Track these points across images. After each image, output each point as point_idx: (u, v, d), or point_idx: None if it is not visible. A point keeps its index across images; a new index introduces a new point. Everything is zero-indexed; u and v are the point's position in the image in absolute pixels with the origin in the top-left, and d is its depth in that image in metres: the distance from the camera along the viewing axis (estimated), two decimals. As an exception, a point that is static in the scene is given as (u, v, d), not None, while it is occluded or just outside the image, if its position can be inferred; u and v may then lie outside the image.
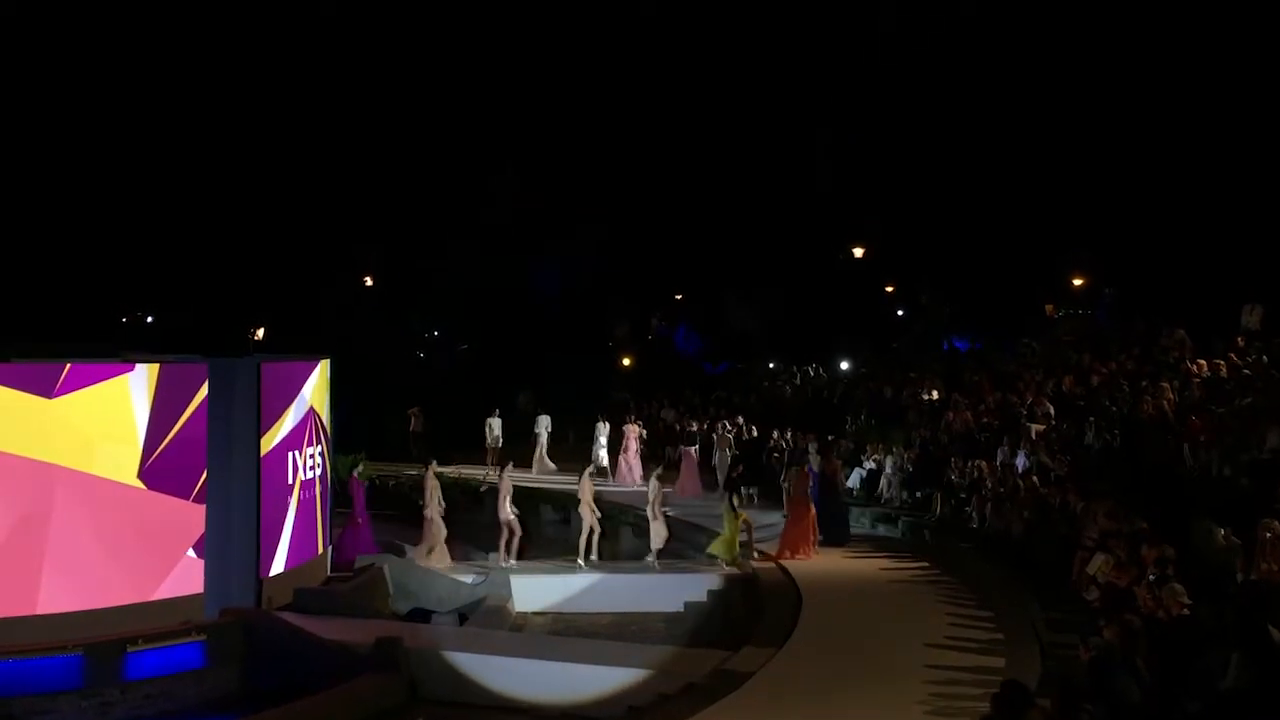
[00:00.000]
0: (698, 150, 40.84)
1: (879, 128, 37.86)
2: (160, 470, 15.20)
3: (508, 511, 18.90)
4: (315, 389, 18.18)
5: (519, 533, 19.13)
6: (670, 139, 41.18)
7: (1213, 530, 12.08)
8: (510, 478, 19.61)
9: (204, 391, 15.69)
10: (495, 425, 28.10)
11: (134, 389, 15.13)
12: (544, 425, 28.05)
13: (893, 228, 37.24)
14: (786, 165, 39.47)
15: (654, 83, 40.74)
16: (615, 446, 26.83)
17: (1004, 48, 33.88)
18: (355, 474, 20.34)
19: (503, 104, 43.08)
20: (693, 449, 25.09)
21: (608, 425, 27.17)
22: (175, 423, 15.36)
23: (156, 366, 15.46)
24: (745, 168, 40.26)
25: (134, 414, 15.07)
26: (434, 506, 19.02)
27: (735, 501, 18.54)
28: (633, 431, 26.41)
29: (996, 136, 34.17)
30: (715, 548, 17.96)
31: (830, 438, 21.93)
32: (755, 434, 25.45)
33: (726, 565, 17.65)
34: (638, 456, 26.05)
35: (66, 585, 14.45)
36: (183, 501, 15.52)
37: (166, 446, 15.26)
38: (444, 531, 19.06)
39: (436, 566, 18.69)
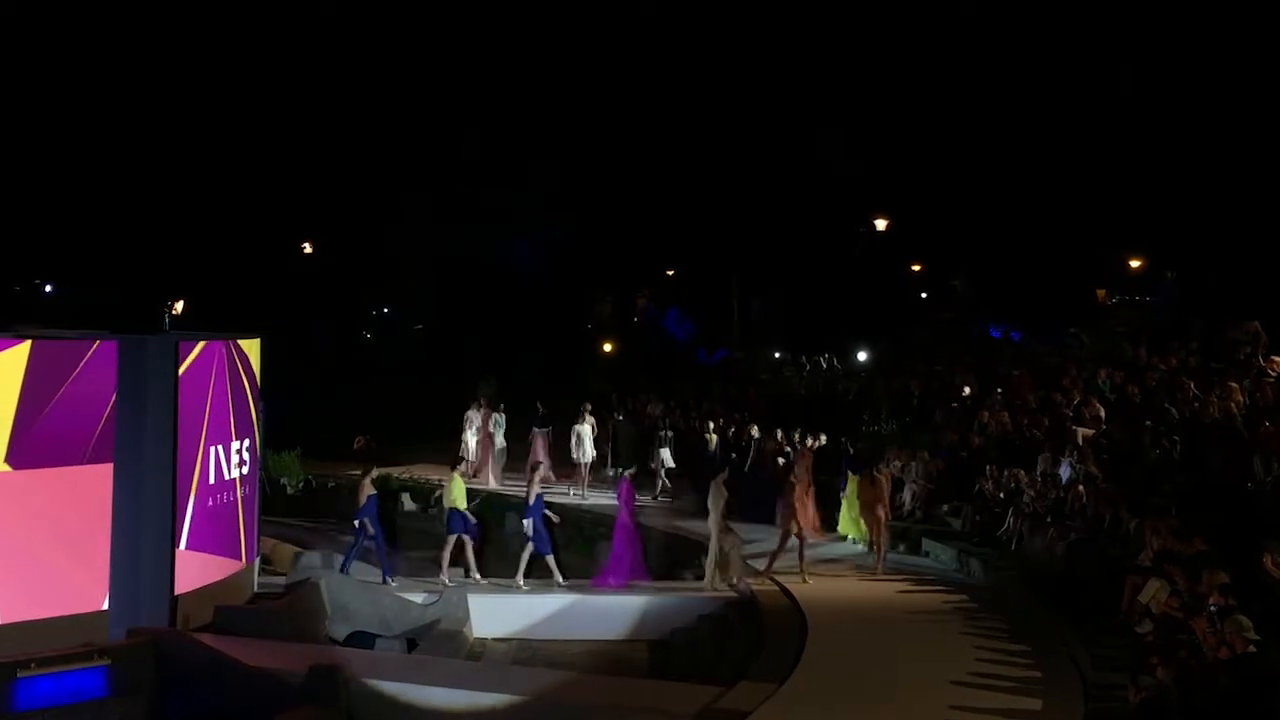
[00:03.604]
0: (695, 108, 40.67)
1: (907, 86, 37.78)
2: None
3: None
4: (245, 373, 18.08)
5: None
6: (664, 97, 40.97)
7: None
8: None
9: (79, 369, 15.47)
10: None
11: (12, 367, 14.96)
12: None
13: (920, 198, 37.15)
14: (803, 128, 39.30)
15: (655, 43, 40.55)
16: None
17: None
18: (627, 474, 19.97)
19: (474, 60, 42.85)
20: (545, 431, 26.75)
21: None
22: (47, 408, 15.14)
23: (29, 342, 15.27)
24: (755, 128, 40.10)
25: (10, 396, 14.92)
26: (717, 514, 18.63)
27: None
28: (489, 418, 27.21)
29: (1041, 95, 34.12)
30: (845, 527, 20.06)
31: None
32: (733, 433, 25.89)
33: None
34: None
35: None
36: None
37: (40, 435, 15.07)
38: (740, 544, 18.58)
39: (731, 582, 18.29)
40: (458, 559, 19.06)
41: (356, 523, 19.08)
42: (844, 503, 21.09)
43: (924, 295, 43.13)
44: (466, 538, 19.03)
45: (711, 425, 25.86)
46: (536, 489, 19.05)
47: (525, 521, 18.88)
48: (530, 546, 18.71)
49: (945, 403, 24.99)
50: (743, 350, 40.71)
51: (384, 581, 18.81)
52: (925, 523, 20.94)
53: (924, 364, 28.83)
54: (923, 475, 21.57)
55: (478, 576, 19.06)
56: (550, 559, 18.80)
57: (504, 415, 27.41)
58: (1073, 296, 34.48)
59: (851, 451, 22.12)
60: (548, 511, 19.01)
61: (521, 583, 18.78)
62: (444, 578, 18.78)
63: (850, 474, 20.98)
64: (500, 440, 27.15)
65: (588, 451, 25.65)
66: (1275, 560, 12.01)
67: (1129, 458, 18.14)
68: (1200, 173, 30.67)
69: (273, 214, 44.72)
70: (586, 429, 25.79)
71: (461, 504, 19.10)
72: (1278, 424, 16.40)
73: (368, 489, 19.28)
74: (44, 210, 42.62)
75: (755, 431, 24.71)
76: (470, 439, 27.09)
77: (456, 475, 19.76)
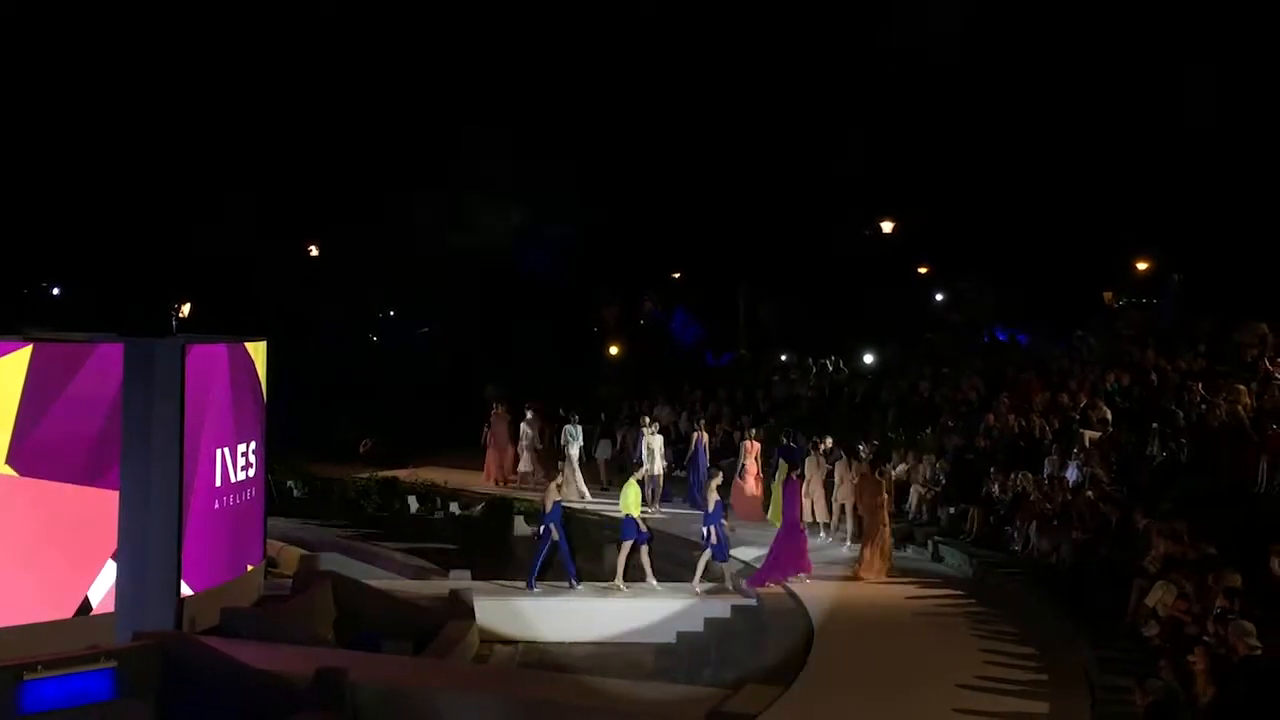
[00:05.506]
0: (698, 108, 40.54)
1: (913, 87, 37.69)
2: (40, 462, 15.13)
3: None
4: (250, 375, 18.14)
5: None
6: (668, 98, 40.84)
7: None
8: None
9: (82, 372, 15.56)
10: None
11: (13, 370, 15.04)
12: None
13: (928, 200, 37.10)
14: (809, 128, 39.19)
15: (660, 44, 40.41)
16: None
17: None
18: (794, 475, 20.02)
19: (479, 53, 42.76)
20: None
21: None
22: (47, 411, 15.21)
23: (30, 347, 15.34)
24: (761, 130, 39.97)
25: (11, 399, 14.98)
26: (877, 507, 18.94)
27: None
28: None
29: (1046, 96, 34.02)
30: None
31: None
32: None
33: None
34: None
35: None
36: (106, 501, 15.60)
37: (41, 438, 15.13)
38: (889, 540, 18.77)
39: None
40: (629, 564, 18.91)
41: (541, 529, 19.15)
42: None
43: (939, 298, 43.00)
44: (642, 543, 18.90)
45: (647, 420, 26.00)
46: (714, 496, 18.68)
47: (705, 529, 18.48)
48: (708, 553, 18.41)
49: (952, 405, 24.99)
50: (749, 352, 40.66)
51: (570, 585, 18.85)
52: (932, 525, 20.96)
53: (931, 366, 28.81)
54: (929, 477, 21.60)
55: (654, 582, 18.76)
56: (726, 566, 18.54)
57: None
58: (1079, 299, 34.40)
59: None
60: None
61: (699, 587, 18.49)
62: (619, 583, 18.71)
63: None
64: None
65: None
66: None
67: (1136, 461, 18.15)
68: (1208, 174, 30.59)
69: (276, 216, 44.64)
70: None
71: (636, 510, 19.00)
72: (1285, 427, 16.40)
73: (554, 495, 19.34)
74: (50, 212, 42.66)
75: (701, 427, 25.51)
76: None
77: (632, 481, 19.55)
